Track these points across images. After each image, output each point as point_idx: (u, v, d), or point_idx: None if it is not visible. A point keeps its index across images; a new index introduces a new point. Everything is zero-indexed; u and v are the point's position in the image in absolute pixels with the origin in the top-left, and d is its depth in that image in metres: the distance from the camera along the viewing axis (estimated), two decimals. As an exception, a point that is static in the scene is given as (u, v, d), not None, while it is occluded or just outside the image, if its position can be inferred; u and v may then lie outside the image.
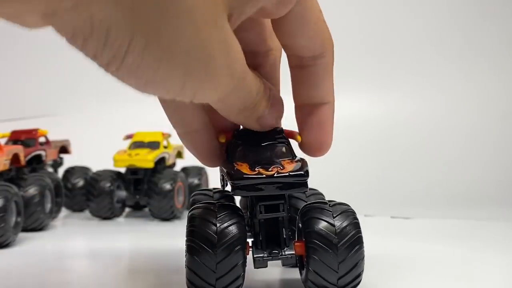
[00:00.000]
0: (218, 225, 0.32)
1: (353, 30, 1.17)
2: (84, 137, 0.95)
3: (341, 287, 0.34)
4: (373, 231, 0.64)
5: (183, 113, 0.35)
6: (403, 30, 1.18)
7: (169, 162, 0.73)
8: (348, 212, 0.34)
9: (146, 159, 0.69)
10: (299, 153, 0.37)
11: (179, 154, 0.78)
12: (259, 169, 0.33)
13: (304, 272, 0.34)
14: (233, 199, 0.38)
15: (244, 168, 0.33)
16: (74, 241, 0.59)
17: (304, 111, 0.36)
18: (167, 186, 0.67)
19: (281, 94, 0.36)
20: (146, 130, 0.75)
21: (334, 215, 0.34)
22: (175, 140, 0.76)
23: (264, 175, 0.33)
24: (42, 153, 0.72)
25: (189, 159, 0.76)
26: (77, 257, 0.52)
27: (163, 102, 0.36)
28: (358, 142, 1.07)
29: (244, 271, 0.33)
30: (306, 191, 0.34)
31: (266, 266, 0.34)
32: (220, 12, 0.27)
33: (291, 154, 0.36)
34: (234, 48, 0.29)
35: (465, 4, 1.18)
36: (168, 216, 0.67)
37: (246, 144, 0.35)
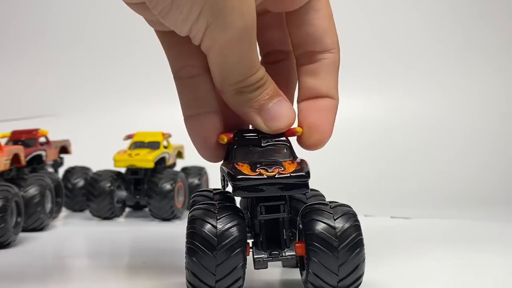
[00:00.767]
0: (218, 227, 0.32)
1: (353, 30, 1.17)
2: (84, 137, 0.95)
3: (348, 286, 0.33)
4: (373, 231, 0.64)
5: (197, 92, 0.36)
6: (404, 30, 1.18)
7: (169, 162, 0.73)
8: (349, 214, 0.34)
9: (146, 159, 0.69)
10: (299, 154, 0.37)
11: (179, 154, 0.79)
12: (260, 170, 0.33)
13: (304, 273, 0.34)
14: (234, 200, 0.38)
15: (245, 169, 0.33)
16: (74, 241, 0.59)
17: (307, 103, 0.37)
18: (167, 186, 0.67)
19: None
20: (146, 130, 0.75)
21: (335, 217, 0.33)
22: (175, 140, 0.76)
23: (265, 176, 0.33)
24: (43, 153, 0.72)
25: (189, 159, 0.77)
26: (77, 257, 0.52)
27: (179, 79, 0.37)
28: (358, 142, 1.07)
29: (244, 273, 0.33)
30: (307, 192, 0.34)
31: (267, 267, 0.34)
32: None
33: (292, 155, 0.36)
34: None
35: (465, 4, 1.18)
36: (168, 216, 0.67)
37: (247, 144, 0.35)
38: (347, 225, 0.33)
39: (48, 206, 0.63)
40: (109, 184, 0.68)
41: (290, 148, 0.36)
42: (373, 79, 1.15)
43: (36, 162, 0.71)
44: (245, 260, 0.33)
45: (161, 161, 0.72)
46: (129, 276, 0.41)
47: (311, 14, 0.36)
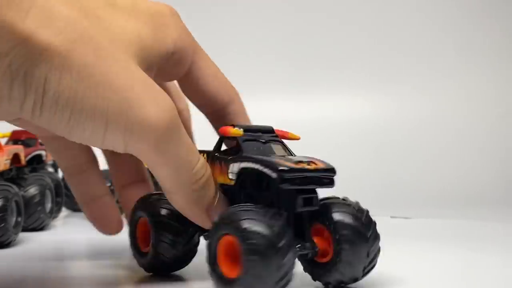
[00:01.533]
0: (273, 226, 0.30)
1: (353, 30, 1.17)
2: (84, 137, 0.95)
3: (363, 276, 0.35)
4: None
5: (88, 184, 0.39)
6: (404, 30, 1.18)
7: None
8: (361, 206, 0.37)
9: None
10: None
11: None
12: (300, 163, 0.33)
13: (327, 266, 0.35)
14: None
15: (284, 162, 0.33)
16: (74, 241, 0.59)
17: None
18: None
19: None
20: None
21: (356, 209, 0.35)
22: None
23: (309, 169, 0.33)
24: (43, 153, 0.72)
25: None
26: (77, 257, 0.52)
27: (69, 175, 0.39)
28: (358, 142, 1.07)
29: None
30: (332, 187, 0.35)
31: None
32: (130, 57, 0.29)
33: (290, 151, 0.37)
34: (155, 86, 0.29)
35: (466, 4, 1.18)
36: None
37: (253, 139, 0.36)
38: (365, 215, 0.36)
39: (48, 205, 0.63)
40: (109, 184, 0.68)
41: (284, 144, 0.37)
42: (373, 79, 1.15)
43: (36, 162, 0.71)
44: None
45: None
46: (129, 275, 0.41)
47: (198, 79, 0.36)
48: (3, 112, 0.27)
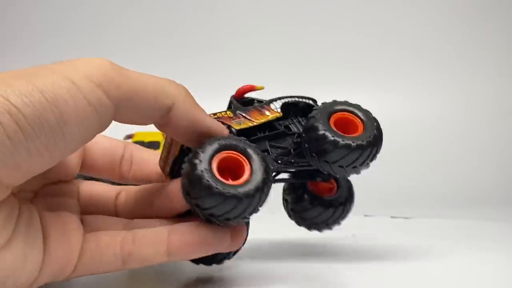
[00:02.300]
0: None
1: (353, 30, 1.17)
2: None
3: None
4: (373, 231, 0.64)
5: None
6: (404, 30, 1.18)
7: (169, 162, 0.73)
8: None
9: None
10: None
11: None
12: None
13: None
14: None
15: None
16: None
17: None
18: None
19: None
20: (146, 130, 0.75)
21: None
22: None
23: None
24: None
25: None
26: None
27: None
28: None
29: None
30: None
31: None
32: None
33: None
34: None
35: (467, 3, 1.18)
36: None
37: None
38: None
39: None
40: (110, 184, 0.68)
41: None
42: (373, 79, 1.15)
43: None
44: None
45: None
46: (129, 275, 0.41)
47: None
48: None
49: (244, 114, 0.39)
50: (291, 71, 1.17)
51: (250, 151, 0.32)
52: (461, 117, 1.11)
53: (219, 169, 0.32)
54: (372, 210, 0.71)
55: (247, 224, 0.36)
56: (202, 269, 0.40)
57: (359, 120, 0.38)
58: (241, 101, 0.41)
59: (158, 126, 0.33)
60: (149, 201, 0.37)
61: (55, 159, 0.27)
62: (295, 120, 0.41)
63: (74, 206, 0.36)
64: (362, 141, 0.36)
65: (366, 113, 0.38)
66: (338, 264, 0.41)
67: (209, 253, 0.33)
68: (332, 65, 1.17)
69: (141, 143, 0.72)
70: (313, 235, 0.46)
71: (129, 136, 0.74)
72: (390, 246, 0.52)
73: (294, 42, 1.18)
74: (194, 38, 1.16)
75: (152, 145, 0.72)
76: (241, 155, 0.32)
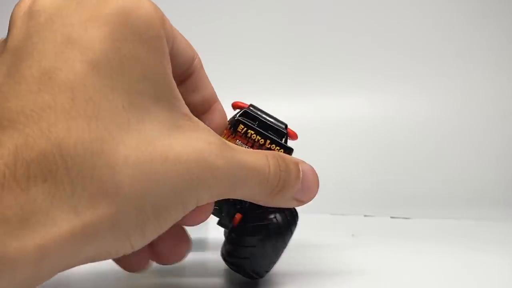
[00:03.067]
0: None
1: (353, 29, 1.17)
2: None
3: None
4: (373, 231, 0.64)
5: None
6: (404, 30, 1.18)
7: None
8: None
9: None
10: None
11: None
12: None
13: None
14: None
15: None
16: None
17: (204, 120, 0.35)
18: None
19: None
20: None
21: None
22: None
23: None
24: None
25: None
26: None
27: None
28: (358, 142, 1.07)
29: None
30: None
31: None
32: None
33: None
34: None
35: (467, 3, 1.18)
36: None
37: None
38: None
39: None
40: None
41: None
42: (373, 78, 1.15)
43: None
44: None
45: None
46: (129, 275, 0.41)
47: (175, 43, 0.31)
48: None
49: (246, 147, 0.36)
50: (290, 72, 1.17)
51: None
52: (461, 117, 1.11)
53: None
54: (372, 210, 0.71)
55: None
56: (202, 269, 0.40)
57: None
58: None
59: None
60: None
61: None
62: None
63: None
64: None
65: None
66: (338, 264, 0.41)
67: None
68: (331, 66, 1.17)
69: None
70: (313, 235, 0.46)
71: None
72: (390, 246, 0.52)
73: (292, 44, 1.18)
74: (194, 38, 1.16)
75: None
76: None
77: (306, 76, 1.17)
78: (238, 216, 0.35)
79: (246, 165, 0.28)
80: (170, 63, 0.28)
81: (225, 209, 0.35)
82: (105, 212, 0.22)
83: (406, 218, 0.70)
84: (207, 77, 0.35)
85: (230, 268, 0.35)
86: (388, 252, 0.49)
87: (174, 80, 0.30)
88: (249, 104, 0.38)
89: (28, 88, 0.22)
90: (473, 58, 1.16)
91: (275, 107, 1.14)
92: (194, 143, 0.26)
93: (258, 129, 0.35)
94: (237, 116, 0.35)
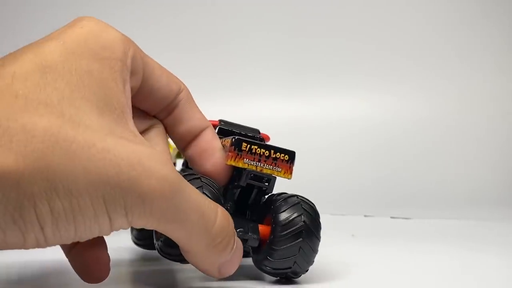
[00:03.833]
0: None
1: (353, 30, 1.17)
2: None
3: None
4: (373, 231, 0.64)
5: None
6: (404, 30, 1.18)
7: (169, 162, 0.73)
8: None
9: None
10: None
11: (179, 154, 0.78)
12: None
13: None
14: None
15: None
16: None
17: (192, 148, 0.35)
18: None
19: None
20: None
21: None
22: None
23: None
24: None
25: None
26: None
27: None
28: (358, 142, 1.07)
29: None
30: None
31: None
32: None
33: None
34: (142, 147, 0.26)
35: (467, 3, 1.18)
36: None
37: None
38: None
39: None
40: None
41: None
42: (373, 79, 1.15)
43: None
44: None
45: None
46: (130, 276, 0.41)
47: (149, 76, 0.32)
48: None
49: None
50: (290, 73, 1.17)
51: None
52: (461, 117, 1.11)
53: None
54: (372, 210, 0.71)
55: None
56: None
57: None
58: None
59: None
60: None
61: None
62: None
63: None
64: None
65: None
66: (337, 264, 0.41)
67: None
68: (331, 66, 1.17)
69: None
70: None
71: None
72: (390, 246, 0.52)
73: (291, 45, 1.18)
74: (194, 38, 1.16)
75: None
76: None
77: (306, 77, 1.17)
78: (263, 227, 0.34)
79: (193, 202, 0.28)
80: (128, 86, 0.29)
81: (244, 225, 0.34)
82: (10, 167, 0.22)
83: (406, 218, 0.70)
84: (194, 108, 0.35)
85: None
86: (388, 252, 0.49)
87: (159, 114, 0.33)
88: (218, 120, 0.38)
89: None
90: (472, 59, 1.16)
91: (275, 107, 1.14)
92: (135, 148, 0.26)
93: (258, 142, 0.34)
94: (235, 137, 0.34)
